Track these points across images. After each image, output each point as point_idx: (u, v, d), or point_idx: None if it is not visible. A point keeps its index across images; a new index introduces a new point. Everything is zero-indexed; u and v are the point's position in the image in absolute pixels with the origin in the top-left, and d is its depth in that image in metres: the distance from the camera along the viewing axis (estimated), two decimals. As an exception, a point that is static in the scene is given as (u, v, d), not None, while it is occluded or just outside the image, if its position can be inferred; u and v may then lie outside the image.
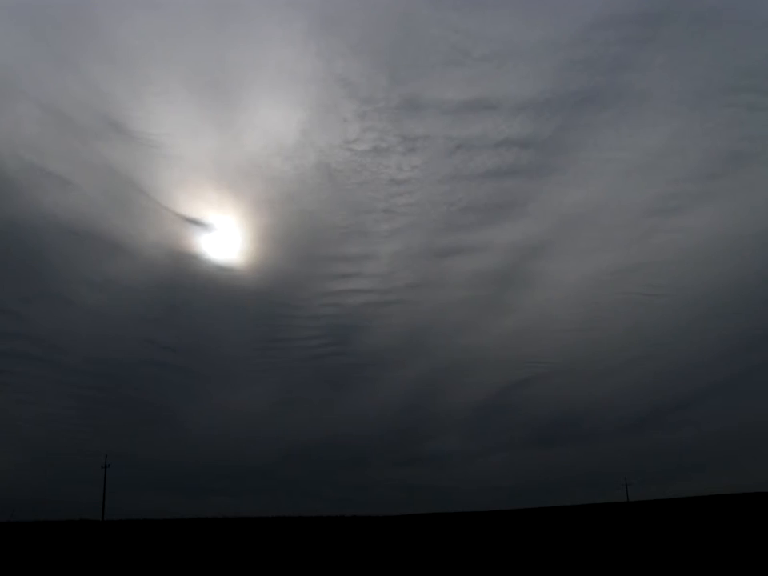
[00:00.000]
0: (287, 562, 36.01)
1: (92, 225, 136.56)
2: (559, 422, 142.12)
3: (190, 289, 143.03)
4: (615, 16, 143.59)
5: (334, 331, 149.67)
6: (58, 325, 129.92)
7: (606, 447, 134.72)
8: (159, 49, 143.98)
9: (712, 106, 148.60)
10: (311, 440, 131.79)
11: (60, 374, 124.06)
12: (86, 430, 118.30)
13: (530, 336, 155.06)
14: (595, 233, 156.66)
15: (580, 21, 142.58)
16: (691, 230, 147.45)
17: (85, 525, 58.52)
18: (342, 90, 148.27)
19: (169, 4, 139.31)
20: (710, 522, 50.65)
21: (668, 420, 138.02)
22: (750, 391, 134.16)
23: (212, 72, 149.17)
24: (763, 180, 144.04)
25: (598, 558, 33.75)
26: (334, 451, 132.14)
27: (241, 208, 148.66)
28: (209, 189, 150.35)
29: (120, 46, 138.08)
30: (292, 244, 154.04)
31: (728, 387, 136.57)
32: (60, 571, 32.77)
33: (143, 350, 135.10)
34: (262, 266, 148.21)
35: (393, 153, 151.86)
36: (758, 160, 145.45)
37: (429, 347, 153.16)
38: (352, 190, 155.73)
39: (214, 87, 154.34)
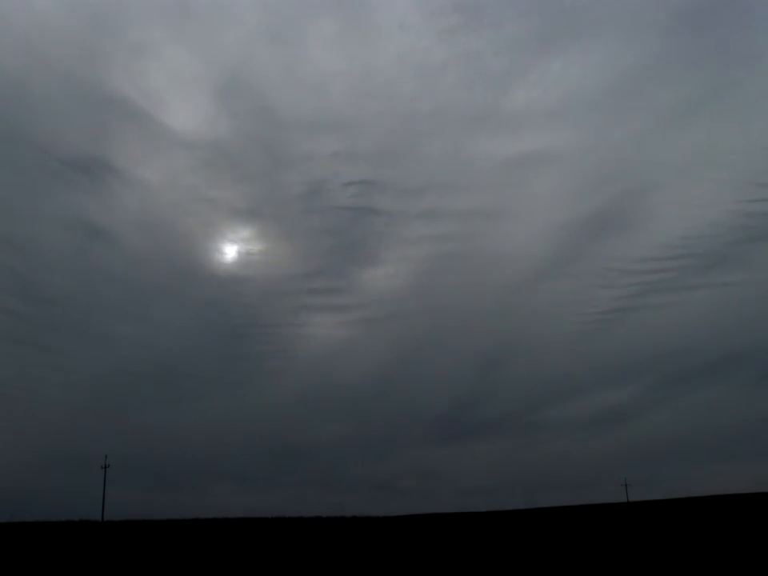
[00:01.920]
0: (287, 562, 36.01)
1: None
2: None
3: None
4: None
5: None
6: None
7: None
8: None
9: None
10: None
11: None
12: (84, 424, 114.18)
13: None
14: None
15: None
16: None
17: (85, 525, 58.53)
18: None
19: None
20: (709, 522, 50.61)
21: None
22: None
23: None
24: None
25: (598, 558, 33.74)
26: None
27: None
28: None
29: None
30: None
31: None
32: (60, 571, 32.78)
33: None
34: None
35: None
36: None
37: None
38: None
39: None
